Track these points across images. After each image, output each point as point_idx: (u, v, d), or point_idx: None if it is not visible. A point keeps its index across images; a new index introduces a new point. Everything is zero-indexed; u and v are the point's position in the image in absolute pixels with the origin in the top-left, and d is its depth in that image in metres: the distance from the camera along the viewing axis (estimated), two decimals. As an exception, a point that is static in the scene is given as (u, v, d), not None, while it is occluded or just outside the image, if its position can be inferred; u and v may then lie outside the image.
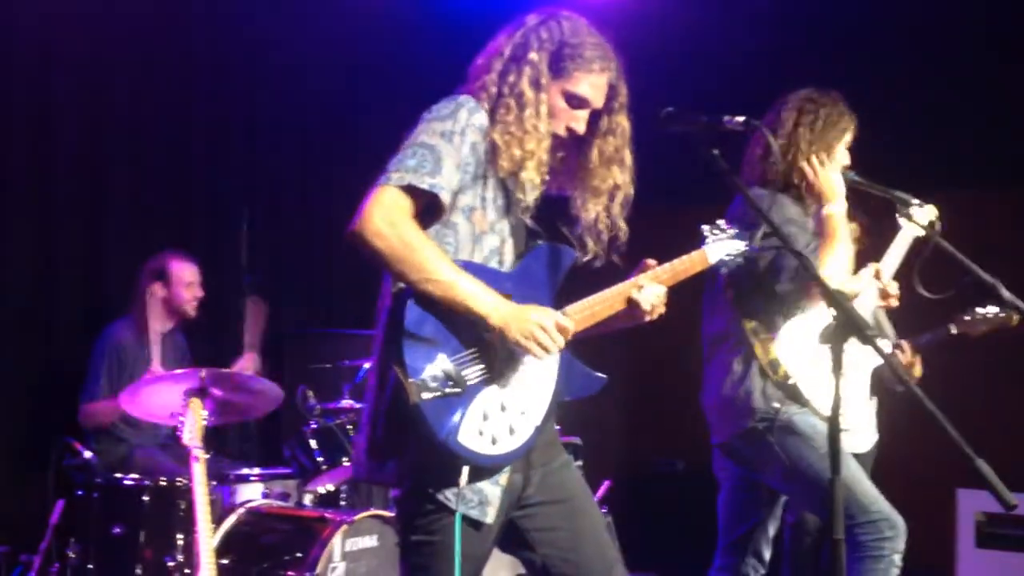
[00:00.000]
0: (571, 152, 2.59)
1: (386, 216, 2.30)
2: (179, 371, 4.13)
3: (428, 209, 2.38)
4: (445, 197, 2.36)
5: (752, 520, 3.67)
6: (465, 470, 2.31)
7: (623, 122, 2.59)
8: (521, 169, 2.46)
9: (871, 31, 6.12)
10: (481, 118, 2.44)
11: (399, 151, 2.39)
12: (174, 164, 5.77)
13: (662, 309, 2.59)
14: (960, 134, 5.85)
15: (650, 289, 2.56)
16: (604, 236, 2.58)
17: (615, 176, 2.58)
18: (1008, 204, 5.92)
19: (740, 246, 2.78)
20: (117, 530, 4.21)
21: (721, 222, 2.78)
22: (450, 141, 2.38)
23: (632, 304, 2.55)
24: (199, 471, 3.72)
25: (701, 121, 2.37)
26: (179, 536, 4.24)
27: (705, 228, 2.74)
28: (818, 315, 3.53)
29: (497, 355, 2.37)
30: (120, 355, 4.82)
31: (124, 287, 5.07)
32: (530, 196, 2.54)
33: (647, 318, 2.57)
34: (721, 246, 2.76)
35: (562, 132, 2.53)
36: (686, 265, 2.68)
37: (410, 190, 2.33)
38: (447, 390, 2.27)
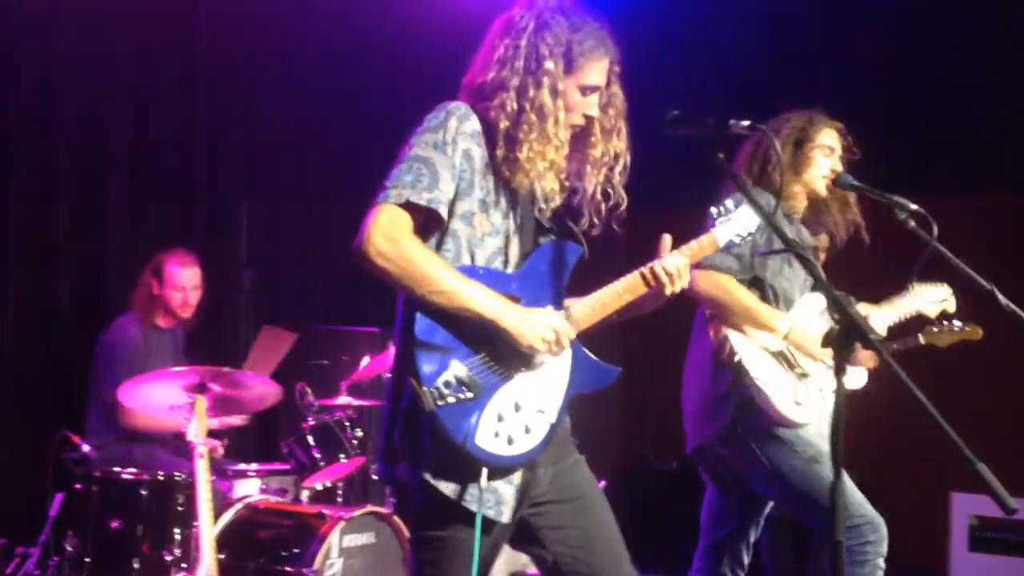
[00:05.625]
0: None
1: (386, 234, 2.33)
2: (177, 368, 4.13)
3: (428, 222, 2.41)
4: (443, 211, 2.39)
5: (732, 524, 3.71)
6: (484, 472, 2.34)
7: (618, 92, 2.63)
8: (543, 180, 2.50)
9: (865, 35, 6.15)
10: (472, 124, 2.46)
11: (394, 166, 2.42)
12: (174, 159, 5.77)
13: (684, 283, 2.58)
14: (961, 138, 5.86)
15: (671, 258, 2.56)
16: (603, 206, 2.61)
17: (615, 146, 2.62)
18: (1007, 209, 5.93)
19: (751, 225, 2.71)
20: (115, 524, 4.24)
21: (728, 202, 2.73)
22: (443, 152, 2.41)
23: (656, 276, 2.53)
24: (202, 467, 3.74)
25: (707, 124, 2.38)
26: (176, 530, 4.26)
27: (713, 210, 2.72)
28: (789, 316, 3.58)
29: (509, 357, 2.39)
30: (134, 348, 4.80)
31: (123, 282, 5.08)
32: (552, 203, 2.57)
33: (668, 289, 2.55)
34: (730, 226, 2.71)
35: (580, 121, 2.56)
36: (694, 249, 2.67)
37: (409, 206, 2.36)
38: (461, 396, 2.30)
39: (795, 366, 3.55)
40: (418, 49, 6.42)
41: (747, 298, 3.51)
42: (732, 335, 3.50)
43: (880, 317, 3.79)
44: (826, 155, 3.66)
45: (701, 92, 5.67)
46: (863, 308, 3.80)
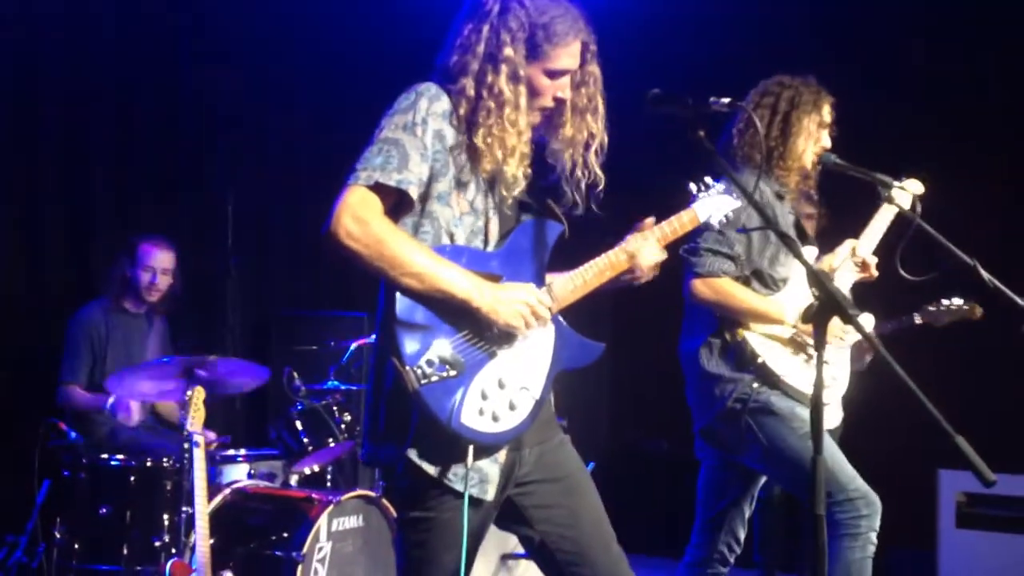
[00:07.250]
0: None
1: (356, 216, 2.31)
2: (159, 360, 4.16)
3: (400, 204, 2.39)
4: (413, 191, 2.37)
5: (728, 498, 3.72)
6: (470, 450, 2.34)
7: (595, 71, 2.60)
8: (504, 165, 2.47)
9: (851, 19, 6.14)
10: (443, 104, 2.44)
11: (365, 149, 2.40)
12: (159, 146, 5.76)
13: (656, 271, 2.60)
14: (944, 116, 5.87)
15: (650, 247, 2.57)
16: (582, 185, 2.60)
17: (589, 125, 2.60)
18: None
19: (732, 202, 2.73)
20: (103, 510, 4.24)
21: (708, 178, 2.74)
22: (412, 133, 2.39)
23: (631, 259, 2.56)
24: (199, 456, 3.79)
25: (687, 103, 2.38)
26: (165, 516, 4.27)
27: (692, 185, 2.72)
28: (789, 295, 3.57)
29: (490, 334, 2.39)
30: (92, 336, 4.82)
31: (108, 269, 5.06)
32: (514, 190, 2.53)
33: (642, 278, 2.59)
34: (711, 203, 2.73)
35: (550, 104, 2.55)
36: (675, 226, 2.67)
37: (378, 188, 2.34)
38: (444, 374, 2.30)
39: (806, 349, 3.56)
40: (405, 39, 6.38)
41: (748, 299, 3.50)
42: (750, 336, 3.50)
43: (866, 246, 3.73)
44: (823, 127, 3.65)
45: (687, 69, 5.64)
46: (849, 242, 3.73)
